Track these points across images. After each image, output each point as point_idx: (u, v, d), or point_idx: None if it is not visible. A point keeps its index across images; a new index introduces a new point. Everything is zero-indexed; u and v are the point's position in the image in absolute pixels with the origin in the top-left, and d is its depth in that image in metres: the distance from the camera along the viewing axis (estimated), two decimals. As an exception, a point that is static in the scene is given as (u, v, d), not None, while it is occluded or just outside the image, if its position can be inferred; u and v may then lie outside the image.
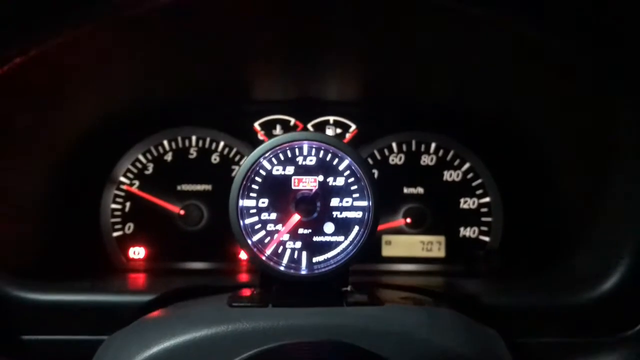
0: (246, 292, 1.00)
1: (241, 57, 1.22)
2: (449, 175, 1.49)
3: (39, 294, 1.09)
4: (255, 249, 0.95)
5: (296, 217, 0.95)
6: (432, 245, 1.48)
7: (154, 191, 1.47)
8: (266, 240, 0.96)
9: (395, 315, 0.88)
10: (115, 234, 1.47)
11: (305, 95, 1.47)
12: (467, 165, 1.48)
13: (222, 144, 1.49)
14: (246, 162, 0.94)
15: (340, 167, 0.96)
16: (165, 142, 1.49)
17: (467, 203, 1.48)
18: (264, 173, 0.96)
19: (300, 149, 0.95)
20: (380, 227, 1.37)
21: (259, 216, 0.96)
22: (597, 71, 0.99)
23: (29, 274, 1.15)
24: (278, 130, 1.51)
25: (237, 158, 1.49)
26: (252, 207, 0.96)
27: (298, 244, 0.96)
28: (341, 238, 0.96)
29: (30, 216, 1.27)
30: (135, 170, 1.48)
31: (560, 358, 1.05)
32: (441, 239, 1.48)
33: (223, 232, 1.40)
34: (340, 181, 0.96)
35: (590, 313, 1.09)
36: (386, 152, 1.50)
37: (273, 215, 0.96)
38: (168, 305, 1.06)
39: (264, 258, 0.95)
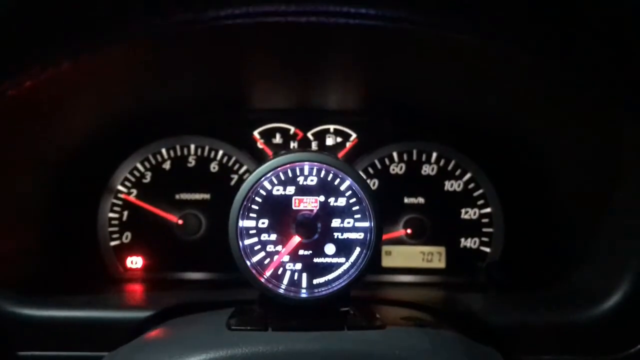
0: (245, 311, 0.98)
1: (241, 67, 1.21)
2: (450, 185, 1.47)
3: (35, 309, 1.08)
4: (254, 271, 0.93)
5: (296, 239, 0.93)
6: (432, 256, 1.46)
7: (152, 200, 1.45)
8: (266, 262, 0.95)
9: (396, 339, 0.87)
10: (112, 243, 1.46)
11: (306, 103, 1.46)
12: (468, 176, 1.47)
13: (221, 152, 1.48)
14: (247, 182, 0.92)
15: (342, 188, 0.94)
16: (164, 151, 1.47)
17: (468, 213, 1.47)
18: (264, 193, 0.94)
19: (302, 169, 0.94)
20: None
21: (259, 237, 0.94)
22: (600, 87, 0.98)
23: (25, 287, 1.14)
24: (278, 138, 1.49)
25: (236, 167, 1.48)
26: (252, 228, 0.94)
27: (298, 266, 0.95)
28: (342, 259, 0.95)
29: (28, 226, 1.26)
30: (133, 179, 1.46)
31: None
32: (441, 249, 1.46)
33: (221, 242, 1.38)
34: (341, 202, 0.95)
35: (593, 331, 1.08)
36: (387, 161, 1.48)
37: (273, 236, 0.95)
38: (166, 320, 1.05)
39: (263, 280, 0.93)
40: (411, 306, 1.12)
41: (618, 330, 1.08)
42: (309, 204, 0.94)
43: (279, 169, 0.93)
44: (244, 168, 1.47)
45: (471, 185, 1.47)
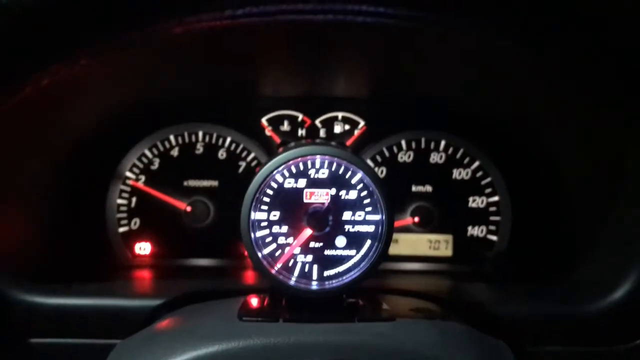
0: (256, 302, 0.99)
1: (250, 55, 1.20)
2: (458, 174, 1.47)
3: (46, 297, 1.09)
4: (265, 262, 0.94)
5: (308, 232, 0.94)
6: (439, 244, 1.47)
7: (160, 187, 1.46)
8: (277, 254, 0.95)
9: (406, 332, 0.88)
10: (121, 230, 1.46)
11: (314, 91, 1.45)
12: (476, 164, 1.47)
13: (229, 139, 1.47)
14: (259, 175, 0.92)
15: (353, 181, 0.94)
16: (172, 137, 1.47)
17: (476, 202, 1.47)
18: (275, 186, 0.94)
19: (313, 162, 0.94)
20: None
21: (270, 229, 0.95)
22: (613, 84, 0.97)
23: (36, 275, 1.14)
24: (286, 126, 1.49)
25: (244, 154, 1.48)
26: (264, 220, 0.94)
27: (309, 258, 0.95)
28: (353, 252, 0.95)
29: (36, 215, 1.26)
30: (141, 166, 1.46)
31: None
32: (449, 237, 1.47)
33: (229, 229, 1.40)
34: (352, 194, 0.95)
35: (599, 322, 1.09)
36: (395, 149, 1.48)
37: (284, 229, 0.95)
38: (177, 308, 1.06)
39: (274, 272, 0.94)
40: (419, 296, 1.13)
41: (624, 322, 1.09)
42: (320, 197, 0.94)
43: (291, 162, 0.92)
44: (252, 155, 1.47)
45: (479, 174, 1.47)
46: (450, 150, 1.47)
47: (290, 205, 0.95)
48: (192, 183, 1.46)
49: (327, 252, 0.95)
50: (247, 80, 1.38)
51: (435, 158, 1.48)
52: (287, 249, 0.94)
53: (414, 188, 1.47)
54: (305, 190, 0.94)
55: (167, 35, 0.71)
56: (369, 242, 0.95)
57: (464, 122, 1.46)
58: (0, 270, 1.10)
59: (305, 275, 0.95)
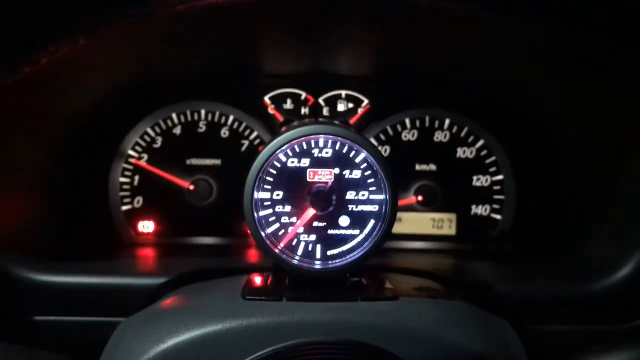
0: (259, 280, 0.99)
1: (252, 32, 1.18)
2: (462, 152, 1.46)
3: (49, 275, 1.10)
4: (268, 242, 0.94)
5: (311, 212, 0.93)
6: (442, 223, 1.47)
7: (163, 165, 1.45)
8: (280, 233, 0.95)
9: (409, 311, 0.88)
10: (124, 208, 1.46)
11: (317, 68, 1.43)
12: (480, 143, 1.46)
13: (231, 117, 1.47)
14: (262, 154, 0.92)
15: (357, 160, 0.94)
16: (174, 116, 1.46)
17: (480, 180, 1.46)
18: (279, 165, 0.94)
19: (316, 141, 0.93)
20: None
21: (274, 208, 0.94)
22: (615, 59, 0.96)
23: (40, 253, 1.15)
24: (289, 104, 1.47)
25: (246, 132, 1.47)
26: (267, 200, 0.94)
27: (312, 237, 0.95)
28: (356, 231, 0.95)
29: (39, 193, 1.26)
30: (143, 144, 1.46)
31: (574, 345, 1.05)
32: (452, 216, 1.47)
33: (232, 208, 1.39)
34: (356, 174, 0.94)
35: (602, 301, 1.09)
36: (399, 128, 1.47)
37: (287, 208, 0.94)
38: (180, 286, 1.07)
39: (277, 251, 0.94)
40: (423, 275, 1.13)
41: (628, 300, 1.09)
42: (324, 176, 0.94)
43: (294, 141, 0.92)
44: (255, 134, 1.47)
45: (483, 152, 1.46)
46: (455, 128, 1.46)
47: (293, 185, 0.94)
48: (195, 161, 1.46)
49: (331, 231, 0.95)
50: (249, 58, 1.37)
51: (440, 137, 1.47)
52: (290, 228, 0.94)
53: (417, 167, 1.46)
54: (309, 170, 0.94)
55: (168, 12, 0.70)
56: (372, 221, 0.95)
57: (469, 101, 1.45)
58: (4, 248, 1.10)
59: (308, 255, 0.95)
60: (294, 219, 0.95)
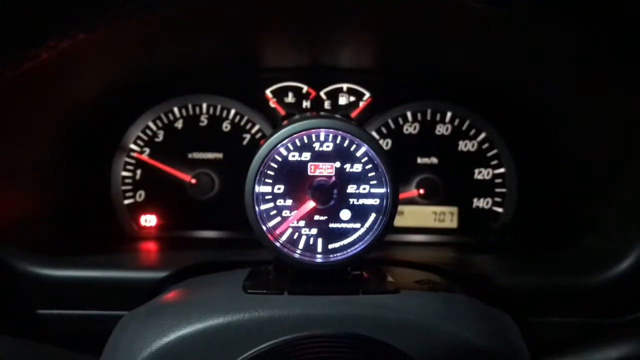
0: (261, 274, 1.00)
1: (253, 25, 1.18)
2: (464, 145, 1.46)
3: (53, 269, 1.10)
4: (269, 235, 0.94)
5: (310, 204, 0.93)
6: (444, 216, 1.47)
7: (165, 159, 1.45)
8: (281, 227, 0.95)
9: (411, 304, 0.88)
10: (126, 202, 1.46)
11: (318, 62, 1.43)
12: (482, 136, 1.46)
13: (233, 111, 1.47)
14: (263, 148, 0.92)
15: (358, 154, 0.93)
16: (176, 110, 1.46)
17: (482, 174, 1.46)
18: (280, 159, 0.93)
19: (317, 135, 0.93)
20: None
21: (275, 202, 0.94)
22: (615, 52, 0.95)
23: (43, 247, 1.15)
24: (290, 97, 1.47)
25: (248, 126, 1.47)
26: (268, 193, 0.94)
27: (314, 231, 0.95)
28: (357, 225, 0.95)
29: (42, 187, 1.26)
30: (145, 138, 1.46)
31: (575, 338, 1.05)
32: (454, 209, 1.47)
33: (234, 201, 1.39)
34: (357, 168, 0.94)
35: (604, 294, 1.09)
36: (400, 121, 1.47)
37: (289, 202, 0.94)
38: (182, 280, 1.07)
39: (278, 245, 0.94)
40: (424, 268, 1.13)
41: (629, 293, 1.09)
42: (325, 170, 0.94)
43: (295, 135, 0.92)
44: (257, 127, 1.47)
45: (485, 146, 1.46)
46: (456, 121, 1.46)
47: (294, 179, 0.94)
48: (197, 155, 1.46)
49: (332, 225, 0.95)
50: (251, 51, 1.37)
51: (441, 130, 1.46)
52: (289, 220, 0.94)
53: (419, 160, 1.46)
54: (310, 164, 0.94)
55: (169, 4, 0.69)
56: (373, 215, 0.95)
57: (471, 94, 1.45)
58: (7, 242, 1.11)
59: (309, 248, 0.95)
60: (295, 213, 0.95)
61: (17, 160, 1.15)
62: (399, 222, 1.46)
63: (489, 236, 1.44)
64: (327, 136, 0.93)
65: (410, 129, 1.47)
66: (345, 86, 1.48)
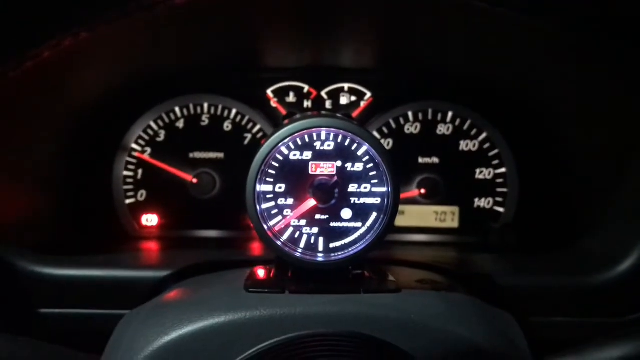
0: (262, 273, 1.00)
1: (254, 23, 1.18)
2: (465, 145, 1.46)
3: (55, 268, 1.10)
4: (271, 234, 0.94)
5: (311, 203, 0.93)
6: (445, 216, 1.47)
7: (166, 159, 1.46)
8: (283, 226, 0.95)
9: (412, 303, 0.88)
10: (127, 202, 1.47)
11: (320, 61, 1.44)
12: (483, 135, 1.46)
13: (234, 111, 1.47)
14: (264, 147, 0.92)
15: (359, 153, 0.93)
16: (177, 109, 1.46)
17: (483, 173, 1.46)
18: (281, 158, 0.94)
19: (319, 134, 0.93)
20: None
21: (276, 201, 0.94)
22: (613, 45, 0.95)
23: (45, 247, 1.15)
24: (291, 97, 1.48)
25: (249, 126, 1.47)
26: (269, 192, 0.94)
27: (315, 230, 0.95)
28: (359, 224, 0.95)
29: (43, 187, 1.26)
30: (147, 138, 1.46)
31: (576, 338, 1.05)
32: (455, 209, 1.47)
33: (235, 201, 1.40)
34: (358, 167, 0.94)
35: (606, 294, 1.09)
36: (402, 120, 1.47)
37: (290, 201, 0.94)
38: (184, 279, 1.07)
39: (279, 244, 0.94)
40: (425, 267, 1.13)
41: (631, 293, 1.09)
42: (326, 169, 0.94)
43: (296, 134, 0.92)
44: (258, 127, 1.47)
45: (486, 145, 1.46)
46: (458, 121, 1.46)
47: (295, 178, 0.94)
48: (198, 155, 1.46)
49: (333, 224, 0.95)
50: (252, 51, 1.37)
51: (443, 129, 1.47)
52: (293, 222, 0.94)
53: (420, 160, 1.46)
54: (311, 163, 0.94)
55: (169, 5, 0.70)
56: (374, 214, 0.95)
57: (472, 94, 1.45)
58: (8, 241, 1.11)
59: (311, 247, 0.95)
60: (296, 212, 0.95)
61: (18, 160, 1.16)
62: (400, 221, 1.46)
63: (490, 236, 1.44)
64: (328, 135, 0.93)
65: (412, 128, 1.47)
66: (346, 86, 1.48)
